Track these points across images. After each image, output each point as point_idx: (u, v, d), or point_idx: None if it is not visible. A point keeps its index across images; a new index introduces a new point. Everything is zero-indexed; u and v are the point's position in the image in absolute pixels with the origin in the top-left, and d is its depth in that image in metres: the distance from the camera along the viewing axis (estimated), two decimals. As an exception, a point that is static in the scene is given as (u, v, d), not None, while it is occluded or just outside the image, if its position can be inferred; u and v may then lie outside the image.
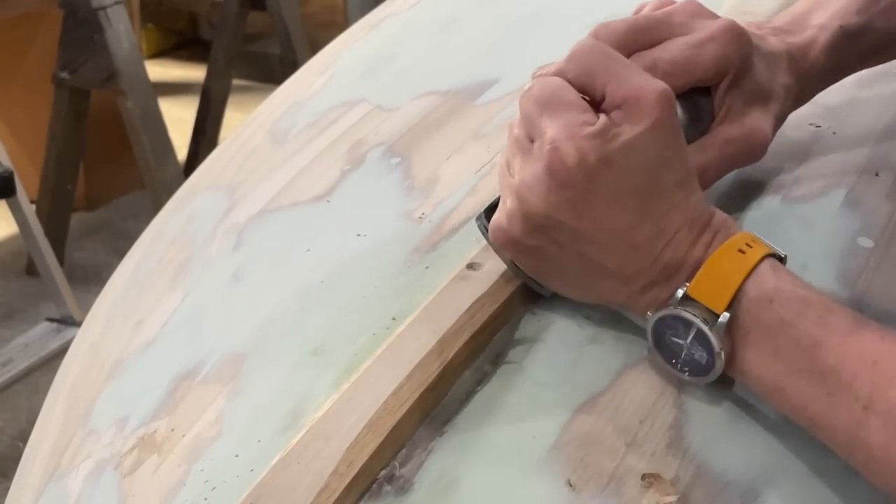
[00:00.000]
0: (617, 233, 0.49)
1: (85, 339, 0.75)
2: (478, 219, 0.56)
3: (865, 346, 0.46)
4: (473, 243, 0.59)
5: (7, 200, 2.00)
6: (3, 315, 2.38)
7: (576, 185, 0.49)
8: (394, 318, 0.55)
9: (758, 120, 0.58)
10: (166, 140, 2.40)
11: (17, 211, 2.02)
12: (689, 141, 0.55)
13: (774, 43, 0.60)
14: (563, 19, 0.84)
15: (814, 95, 0.63)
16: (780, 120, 0.60)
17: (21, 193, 1.99)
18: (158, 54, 3.91)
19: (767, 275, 0.49)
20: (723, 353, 0.48)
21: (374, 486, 0.48)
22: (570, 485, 0.47)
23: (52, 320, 2.10)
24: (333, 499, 0.46)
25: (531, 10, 0.88)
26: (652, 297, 0.51)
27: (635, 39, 0.55)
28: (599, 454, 0.49)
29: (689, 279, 0.49)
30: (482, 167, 0.67)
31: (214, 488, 0.50)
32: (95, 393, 0.64)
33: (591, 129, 0.49)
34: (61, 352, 1.56)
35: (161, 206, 0.87)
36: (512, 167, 0.52)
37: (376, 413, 0.49)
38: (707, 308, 0.48)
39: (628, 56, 0.55)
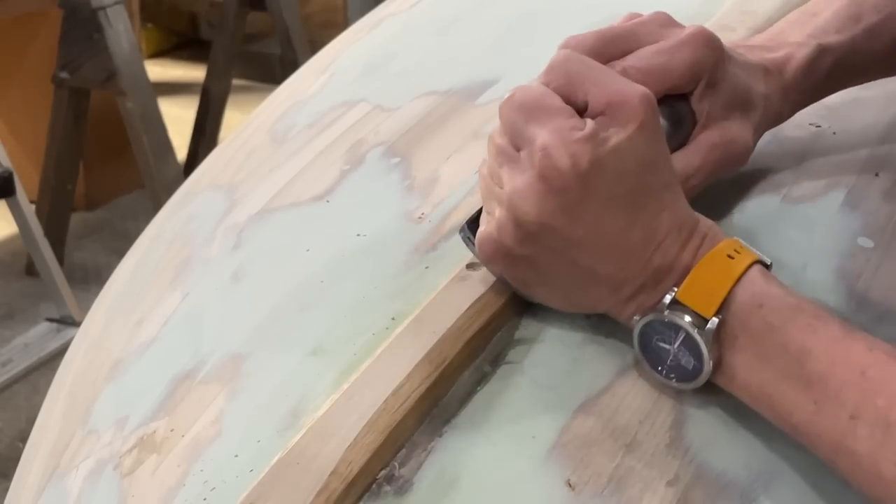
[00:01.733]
0: (609, 237, 0.49)
1: (84, 339, 0.75)
2: (461, 231, 0.56)
3: (854, 355, 0.45)
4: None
5: (7, 200, 2.00)
6: (3, 315, 2.38)
7: (570, 191, 0.48)
8: (393, 319, 0.55)
9: (739, 126, 0.58)
10: (166, 140, 2.40)
11: (16, 211, 2.02)
12: (673, 148, 0.55)
13: (749, 56, 0.59)
14: (563, 19, 0.84)
15: (793, 114, 0.63)
16: (759, 131, 0.60)
17: (21, 193, 1.99)
18: (158, 54, 3.91)
19: (757, 280, 0.49)
20: (711, 358, 0.48)
21: (374, 486, 0.48)
22: (570, 485, 0.47)
23: (51, 320, 2.10)
24: (333, 499, 0.46)
25: (531, 10, 0.88)
26: (639, 303, 0.51)
27: (604, 49, 0.55)
28: (599, 454, 0.49)
29: (677, 284, 0.49)
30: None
31: (214, 488, 0.50)
32: (95, 393, 0.64)
33: (581, 133, 0.48)
34: (61, 352, 1.56)
35: (161, 206, 0.87)
36: (498, 177, 0.51)
37: (376, 413, 0.49)
38: (696, 313, 0.48)
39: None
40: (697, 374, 0.49)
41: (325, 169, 0.71)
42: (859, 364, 0.45)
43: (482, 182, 0.53)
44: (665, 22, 0.57)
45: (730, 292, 0.48)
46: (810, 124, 0.68)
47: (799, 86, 0.61)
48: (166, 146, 2.40)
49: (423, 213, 0.64)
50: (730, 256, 0.49)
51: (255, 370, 0.56)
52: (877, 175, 0.64)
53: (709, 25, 0.76)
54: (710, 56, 0.56)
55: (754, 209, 0.61)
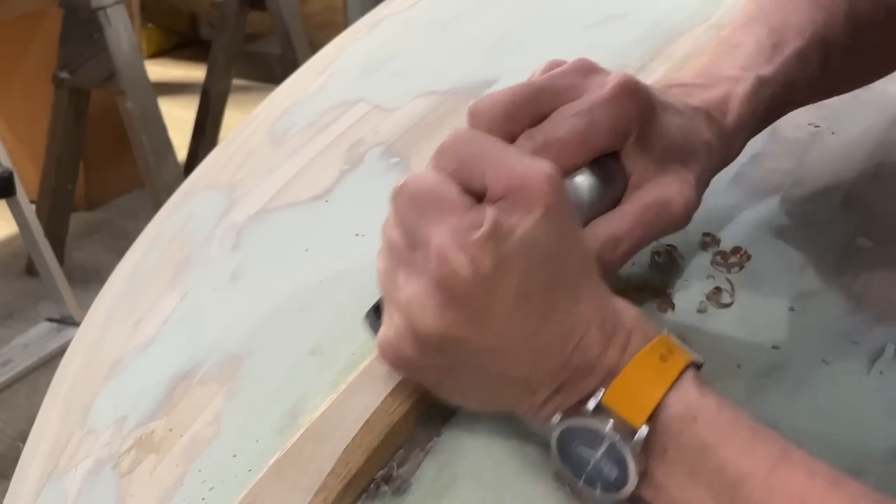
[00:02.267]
0: (521, 341, 0.44)
1: (84, 339, 0.75)
2: (366, 317, 0.51)
3: (792, 483, 0.42)
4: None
5: (7, 200, 2.00)
6: (3, 315, 2.38)
7: (472, 298, 0.43)
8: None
9: (676, 180, 0.52)
10: (166, 140, 2.40)
11: (17, 211, 2.02)
12: (604, 210, 0.51)
13: (687, 98, 0.55)
14: (563, 19, 0.84)
15: (741, 150, 0.58)
16: (703, 182, 0.54)
17: (21, 193, 2.00)
18: (158, 54, 3.91)
19: (690, 389, 0.44)
20: (638, 470, 0.44)
21: (372, 486, 0.48)
22: (569, 485, 0.47)
23: (51, 320, 2.10)
24: (331, 499, 0.46)
25: (531, 10, 0.88)
26: (558, 404, 0.45)
27: (520, 112, 0.50)
28: (598, 454, 0.48)
29: (603, 385, 0.44)
30: (481, 167, 0.67)
31: (212, 488, 0.50)
32: (94, 393, 0.64)
33: (481, 231, 0.42)
34: (61, 352, 1.56)
35: (161, 206, 0.87)
36: (394, 276, 0.46)
37: (374, 413, 0.49)
38: (623, 420, 0.43)
39: (518, 132, 0.50)
40: (623, 485, 0.44)
41: (325, 169, 0.71)
42: (799, 493, 0.42)
43: (379, 276, 0.48)
44: (587, 70, 0.52)
45: (661, 400, 0.43)
46: (810, 124, 0.68)
47: (743, 124, 0.56)
48: (166, 146, 2.40)
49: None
50: (663, 356, 0.44)
51: (254, 370, 0.56)
52: (877, 175, 0.64)
53: (706, 26, 0.77)
54: (637, 109, 0.51)
55: (754, 209, 0.61)
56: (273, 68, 3.07)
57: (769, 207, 0.61)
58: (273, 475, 0.48)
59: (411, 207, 0.45)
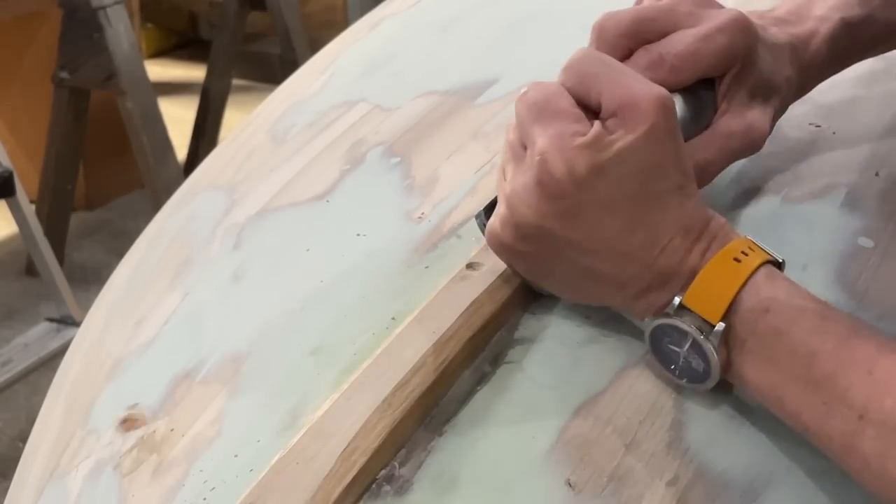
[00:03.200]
0: (609, 241, 0.49)
1: (84, 339, 0.75)
2: (477, 217, 0.56)
3: (860, 355, 0.45)
4: (473, 243, 0.59)
5: (7, 200, 2.00)
6: (3, 315, 2.38)
7: (565, 196, 0.48)
8: (393, 318, 0.55)
9: (758, 113, 0.57)
10: (166, 140, 2.40)
11: (16, 211, 2.02)
12: (692, 135, 0.55)
13: (777, 34, 0.59)
14: (563, 19, 0.84)
15: (814, 87, 0.63)
16: (779, 112, 0.60)
17: (21, 193, 1.99)
18: (158, 54, 3.91)
19: (763, 284, 0.48)
20: (719, 363, 0.48)
21: (374, 486, 0.48)
22: (570, 485, 0.47)
23: (51, 320, 2.10)
24: (333, 499, 0.46)
25: (531, 10, 0.88)
26: (648, 303, 0.50)
27: (641, 30, 0.55)
28: (599, 454, 0.49)
29: (684, 287, 0.49)
30: (482, 167, 0.67)
31: (214, 488, 0.50)
32: (95, 393, 0.64)
33: (581, 139, 0.48)
34: (61, 352, 1.56)
35: (161, 206, 0.87)
36: (505, 173, 0.52)
37: (375, 413, 0.49)
38: (702, 318, 0.48)
39: (635, 48, 0.55)
40: (707, 377, 0.49)
41: (325, 169, 0.71)
42: (866, 364, 0.45)
43: (497, 173, 0.54)
44: (701, 2, 0.57)
45: (735, 297, 0.48)
46: (810, 124, 0.68)
47: (821, 62, 0.61)
48: (166, 146, 2.40)
49: (422, 213, 0.64)
50: (737, 259, 0.48)
51: (255, 370, 0.56)
52: (877, 175, 0.64)
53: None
54: (745, 44, 0.56)
55: (754, 209, 0.61)
56: (273, 68, 3.06)
57: (769, 207, 0.62)
58: (274, 475, 0.48)
59: (528, 112, 0.50)
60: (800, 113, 0.64)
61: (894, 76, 0.71)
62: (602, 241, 0.49)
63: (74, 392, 0.68)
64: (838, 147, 0.67)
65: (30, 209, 2.05)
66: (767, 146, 0.64)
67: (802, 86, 0.61)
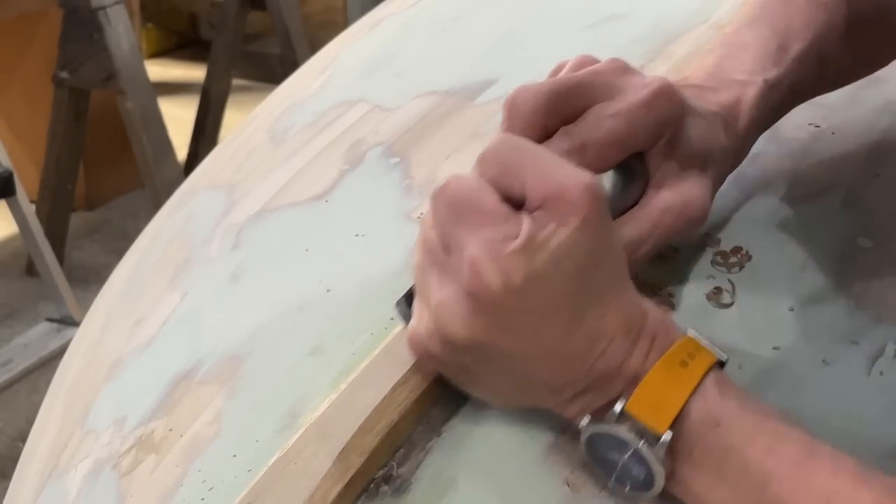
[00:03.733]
0: (547, 347, 0.45)
1: (84, 339, 0.75)
2: (398, 304, 0.51)
3: (817, 481, 0.42)
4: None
5: (7, 200, 2.00)
6: (3, 315, 2.38)
7: (501, 308, 0.44)
8: (392, 319, 0.55)
9: (694, 185, 0.53)
10: (166, 140, 2.40)
11: (17, 211, 2.02)
12: (623, 210, 0.52)
13: (702, 103, 0.55)
14: (563, 19, 0.84)
15: (746, 154, 0.59)
16: (717, 183, 0.56)
17: (21, 193, 2.00)
18: (158, 54, 3.91)
19: (713, 393, 0.45)
20: (663, 472, 0.45)
21: (372, 486, 0.48)
22: (569, 484, 0.47)
23: (51, 320, 2.10)
24: (331, 499, 0.46)
25: (531, 9, 0.88)
26: (583, 406, 0.46)
27: (557, 106, 0.50)
28: (598, 454, 0.48)
29: (625, 390, 0.45)
30: (481, 167, 0.67)
31: (212, 488, 0.50)
32: (94, 393, 0.64)
33: (514, 244, 0.43)
34: (61, 352, 1.56)
35: (161, 206, 0.87)
36: (426, 278, 0.47)
37: (374, 413, 0.49)
38: (646, 427, 0.44)
39: (552, 124, 0.51)
40: (650, 486, 0.45)
41: (325, 169, 0.71)
42: (824, 491, 0.42)
43: (415, 271, 0.49)
44: (622, 70, 0.52)
45: (683, 407, 0.44)
46: (810, 124, 0.68)
47: (753, 128, 0.58)
48: (166, 146, 2.40)
49: (422, 213, 0.64)
50: (683, 362, 0.45)
51: (254, 370, 0.56)
52: (877, 175, 0.64)
53: (706, 25, 0.77)
54: (672, 114, 0.52)
55: (754, 209, 0.61)
56: (273, 68, 3.06)
57: (769, 207, 0.61)
58: (273, 475, 0.48)
59: (449, 211, 0.45)
60: (800, 113, 0.63)
61: (894, 76, 0.71)
62: (540, 348, 0.45)
63: (73, 392, 0.69)
64: (838, 147, 0.67)
65: (30, 209, 2.05)
66: (767, 146, 0.64)
67: (739, 154, 0.58)
